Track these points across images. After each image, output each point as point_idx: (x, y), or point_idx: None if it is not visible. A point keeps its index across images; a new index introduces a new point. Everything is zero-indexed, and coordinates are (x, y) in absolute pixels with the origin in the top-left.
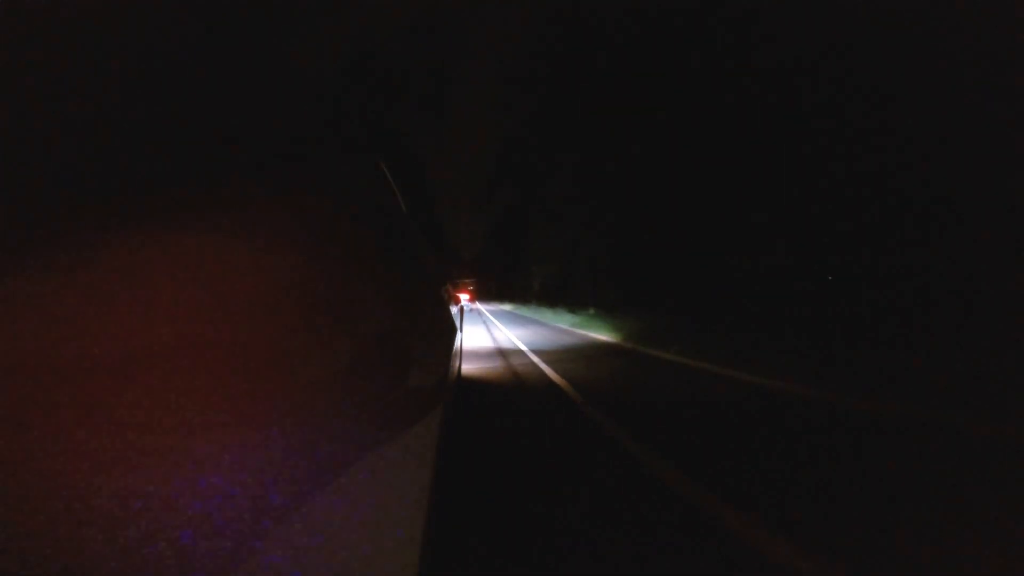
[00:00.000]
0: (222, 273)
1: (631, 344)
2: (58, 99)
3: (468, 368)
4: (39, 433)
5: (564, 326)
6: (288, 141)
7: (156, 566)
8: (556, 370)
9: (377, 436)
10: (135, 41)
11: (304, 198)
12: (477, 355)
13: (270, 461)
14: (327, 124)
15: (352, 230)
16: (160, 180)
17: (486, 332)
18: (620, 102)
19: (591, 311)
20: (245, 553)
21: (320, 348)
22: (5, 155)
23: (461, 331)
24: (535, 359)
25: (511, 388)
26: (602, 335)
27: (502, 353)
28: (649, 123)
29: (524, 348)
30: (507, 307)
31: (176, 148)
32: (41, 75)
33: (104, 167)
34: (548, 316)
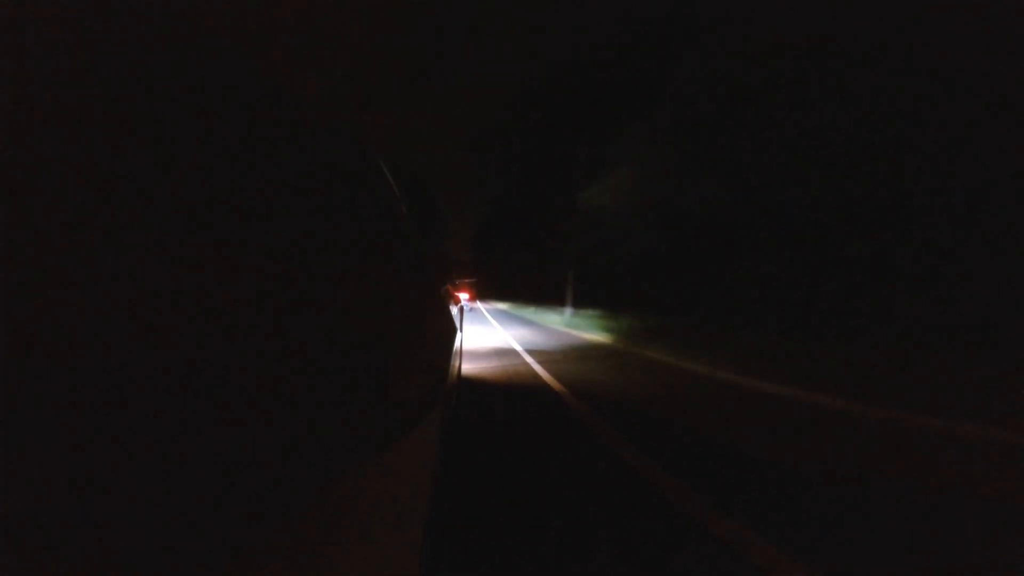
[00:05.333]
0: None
1: (622, 344)
2: None
3: (466, 367)
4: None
5: (559, 327)
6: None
7: (156, 566)
8: (549, 370)
9: (379, 437)
10: None
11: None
12: (476, 355)
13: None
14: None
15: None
16: None
17: (485, 331)
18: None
19: (587, 312)
20: (245, 553)
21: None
22: None
23: (461, 331)
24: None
25: (505, 385)
26: (595, 335)
27: (501, 354)
28: (647, 125)
29: (519, 348)
30: (503, 306)
31: None
32: None
33: None
34: (544, 316)
